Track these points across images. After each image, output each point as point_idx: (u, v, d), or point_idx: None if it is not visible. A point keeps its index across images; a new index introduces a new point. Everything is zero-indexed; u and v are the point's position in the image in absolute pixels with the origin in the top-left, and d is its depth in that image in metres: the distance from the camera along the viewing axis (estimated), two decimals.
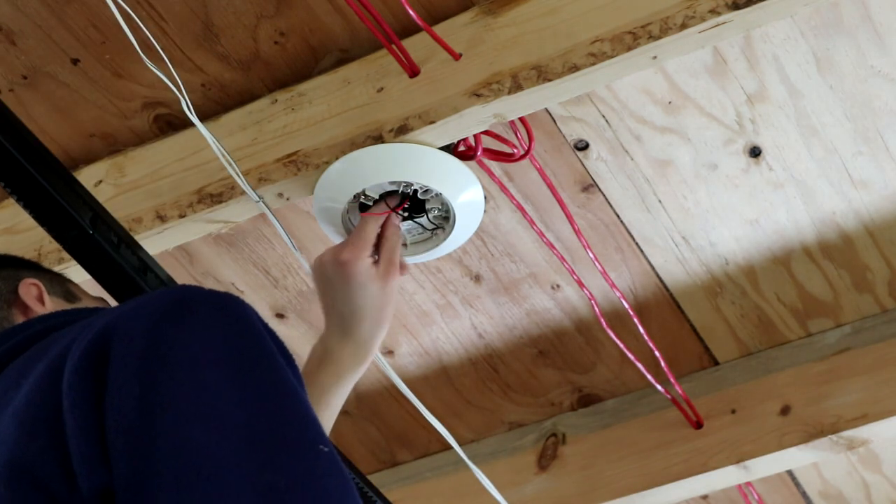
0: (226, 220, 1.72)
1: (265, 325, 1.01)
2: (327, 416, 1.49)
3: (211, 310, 0.98)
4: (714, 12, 1.44)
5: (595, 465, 2.10)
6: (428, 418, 1.68)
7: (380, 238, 1.57)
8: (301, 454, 0.91)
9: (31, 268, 1.43)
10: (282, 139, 1.68)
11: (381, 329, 1.54)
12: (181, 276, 1.99)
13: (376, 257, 1.56)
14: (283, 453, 0.90)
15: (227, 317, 0.99)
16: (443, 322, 2.08)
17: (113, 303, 1.48)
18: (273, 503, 0.87)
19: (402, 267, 1.60)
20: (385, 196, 1.62)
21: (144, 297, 1.01)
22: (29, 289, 1.34)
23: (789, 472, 2.32)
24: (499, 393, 2.18)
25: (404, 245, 1.68)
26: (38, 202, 1.09)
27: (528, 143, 1.68)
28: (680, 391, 2.02)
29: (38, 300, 1.34)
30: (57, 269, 1.73)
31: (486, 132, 1.65)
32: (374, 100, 1.63)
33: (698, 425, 2.05)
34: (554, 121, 1.79)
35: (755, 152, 1.83)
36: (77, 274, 1.62)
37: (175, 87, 1.59)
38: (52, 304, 1.35)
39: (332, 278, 1.53)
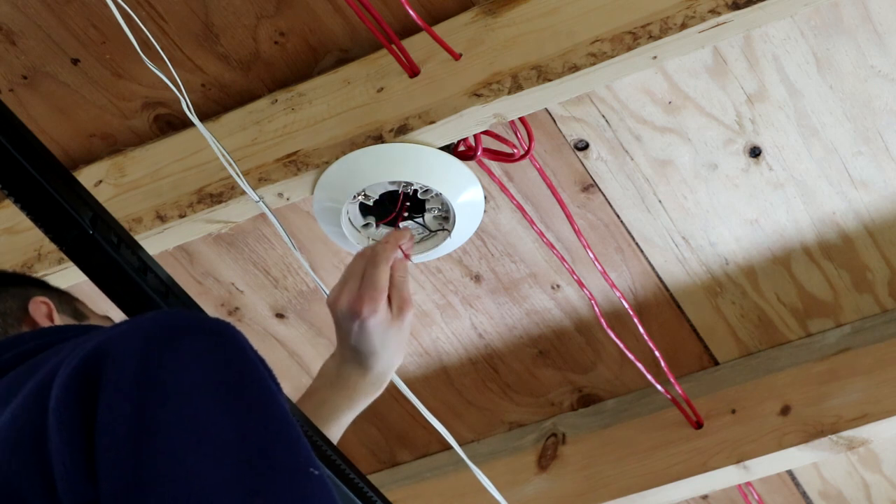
0: (226, 220, 1.72)
1: (255, 353, 1.01)
2: (335, 432, 1.51)
3: (203, 335, 0.98)
4: (714, 12, 1.44)
5: (595, 465, 2.10)
6: (428, 418, 1.68)
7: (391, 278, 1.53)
8: (292, 478, 0.91)
9: (40, 286, 1.45)
10: (282, 139, 1.68)
11: (399, 360, 1.55)
12: (181, 276, 1.99)
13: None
14: (274, 478, 0.90)
15: (219, 342, 0.98)
16: (443, 322, 2.08)
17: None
18: None
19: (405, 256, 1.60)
20: (385, 196, 1.63)
21: (137, 320, 1.01)
22: (39, 306, 1.36)
23: (789, 472, 2.31)
24: (499, 393, 2.18)
25: None
26: (37, 202, 1.09)
27: (528, 143, 1.68)
28: (680, 391, 2.02)
29: (47, 318, 1.35)
30: (57, 269, 1.73)
31: (486, 132, 1.65)
32: (374, 100, 1.63)
33: (698, 425, 2.05)
34: (554, 121, 1.79)
35: (755, 152, 1.83)
36: (77, 274, 1.63)
37: (175, 87, 1.59)
38: (60, 322, 1.36)
39: (348, 322, 1.50)
